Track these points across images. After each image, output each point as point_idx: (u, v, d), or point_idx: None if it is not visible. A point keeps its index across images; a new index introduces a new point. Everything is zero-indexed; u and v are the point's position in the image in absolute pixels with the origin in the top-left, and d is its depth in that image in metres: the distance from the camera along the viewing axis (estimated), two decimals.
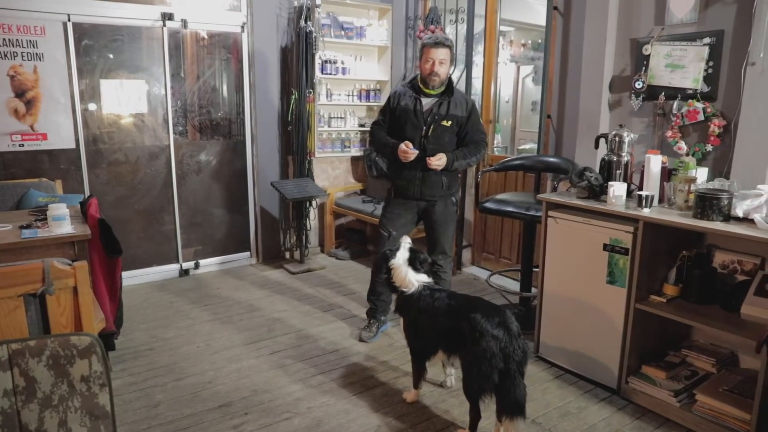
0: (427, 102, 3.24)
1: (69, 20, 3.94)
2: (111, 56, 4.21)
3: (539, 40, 5.71)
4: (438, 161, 3.14)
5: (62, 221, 2.80)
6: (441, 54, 3.14)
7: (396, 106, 3.29)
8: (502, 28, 4.87)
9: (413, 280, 2.67)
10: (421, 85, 3.24)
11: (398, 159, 3.21)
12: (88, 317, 2.11)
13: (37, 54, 3.88)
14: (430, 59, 3.15)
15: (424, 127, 3.21)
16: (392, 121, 3.33)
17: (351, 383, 2.98)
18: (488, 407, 2.37)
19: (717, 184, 2.64)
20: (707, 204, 2.42)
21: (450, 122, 3.22)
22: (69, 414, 1.94)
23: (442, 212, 3.36)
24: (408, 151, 3.14)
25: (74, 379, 1.92)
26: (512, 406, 2.23)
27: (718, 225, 2.38)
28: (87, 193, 4.16)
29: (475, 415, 2.38)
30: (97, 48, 4.14)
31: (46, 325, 2.07)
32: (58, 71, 3.97)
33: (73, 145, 4.13)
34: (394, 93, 3.36)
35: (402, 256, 2.72)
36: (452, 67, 3.24)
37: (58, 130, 4.05)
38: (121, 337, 3.44)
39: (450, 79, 3.27)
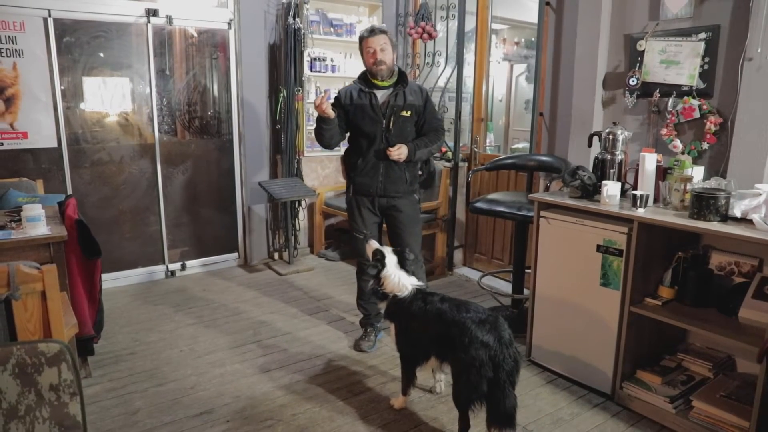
0: (381, 94, 3.13)
1: (50, 16, 3.83)
2: (94, 53, 4.11)
3: (532, 39, 5.63)
4: (398, 151, 3.03)
5: (37, 222, 2.69)
6: (380, 41, 3.04)
7: (349, 104, 3.15)
8: (496, 26, 4.80)
9: (407, 283, 2.58)
10: (372, 79, 3.13)
11: (327, 123, 3.06)
12: (58, 323, 2.01)
13: (16, 50, 3.78)
14: (370, 48, 3.05)
15: (384, 121, 3.10)
16: (347, 120, 3.18)
17: (337, 389, 2.89)
18: (478, 415, 2.28)
19: (714, 183, 2.56)
20: (704, 204, 2.34)
21: (409, 112, 3.12)
22: (37, 425, 1.85)
23: (408, 211, 3.23)
24: (319, 99, 2.97)
25: (42, 389, 1.83)
26: (501, 418, 2.14)
27: (715, 225, 2.30)
28: (69, 193, 4.06)
29: (464, 425, 2.30)
30: (79, 44, 4.04)
31: (12, 332, 1.97)
32: (39, 68, 3.87)
33: (54, 144, 4.03)
34: (345, 92, 3.20)
35: (391, 261, 2.63)
36: (395, 54, 3.15)
37: (39, 128, 3.95)
38: (103, 341, 3.34)
39: (401, 69, 3.17)
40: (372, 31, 3.07)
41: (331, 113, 3.02)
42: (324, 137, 3.16)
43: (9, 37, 3.73)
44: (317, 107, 3.00)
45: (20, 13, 3.73)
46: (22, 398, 1.81)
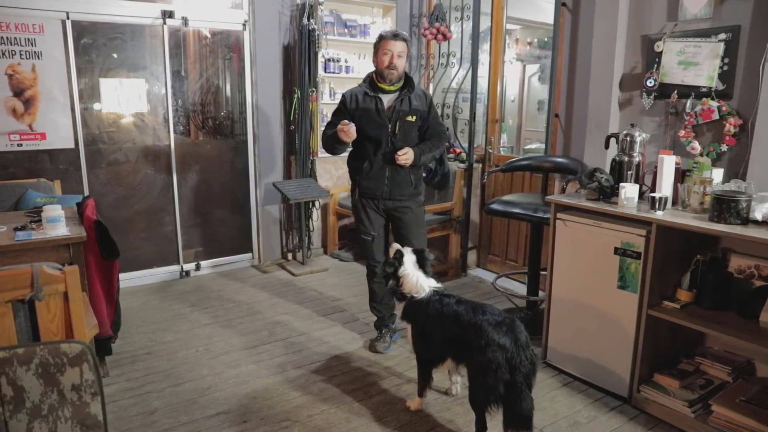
0: (387, 99, 3.12)
1: (68, 18, 3.87)
2: (110, 55, 4.15)
3: (545, 39, 5.61)
4: (405, 155, 3.02)
5: (57, 223, 2.73)
6: (399, 47, 3.03)
7: (354, 108, 3.13)
8: (508, 26, 4.78)
9: (424, 285, 2.58)
10: (379, 82, 3.12)
11: (343, 143, 3.09)
12: (80, 324, 2.04)
13: (35, 52, 3.82)
14: (388, 51, 3.03)
15: (390, 125, 3.09)
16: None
17: (353, 390, 2.89)
18: (495, 417, 2.28)
19: (733, 185, 2.54)
20: (725, 207, 2.32)
21: (414, 117, 3.12)
22: (59, 424, 1.87)
23: (415, 214, 3.23)
24: (344, 125, 2.97)
25: (65, 388, 1.86)
26: (518, 420, 2.14)
27: (736, 229, 2.28)
28: (86, 193, 4.10)
29: (480, 427, 2.30)
30: (97, 46, 4.07)
31: (35, 332, 2.00)
32: (57, 70, 3.91)
33: (72, 145, 4.07)
34: (351, 95, 3.17)
35: (410, 260, 2.64)
36: (407, 64, 3.14)
37: (57, 129, 3.99)
38: (119, 341, 3.37)
39: (407, 74, 3.16)
40: (396, 36, 3.05)
41: (351, 138, 3.05)
42: (335, 151, 3.25)
43: (28, 39, 3.77)
44: (341, 130, 2.99)
45: (39, 16, 3.78)
46: (45, 398, 1.84)
